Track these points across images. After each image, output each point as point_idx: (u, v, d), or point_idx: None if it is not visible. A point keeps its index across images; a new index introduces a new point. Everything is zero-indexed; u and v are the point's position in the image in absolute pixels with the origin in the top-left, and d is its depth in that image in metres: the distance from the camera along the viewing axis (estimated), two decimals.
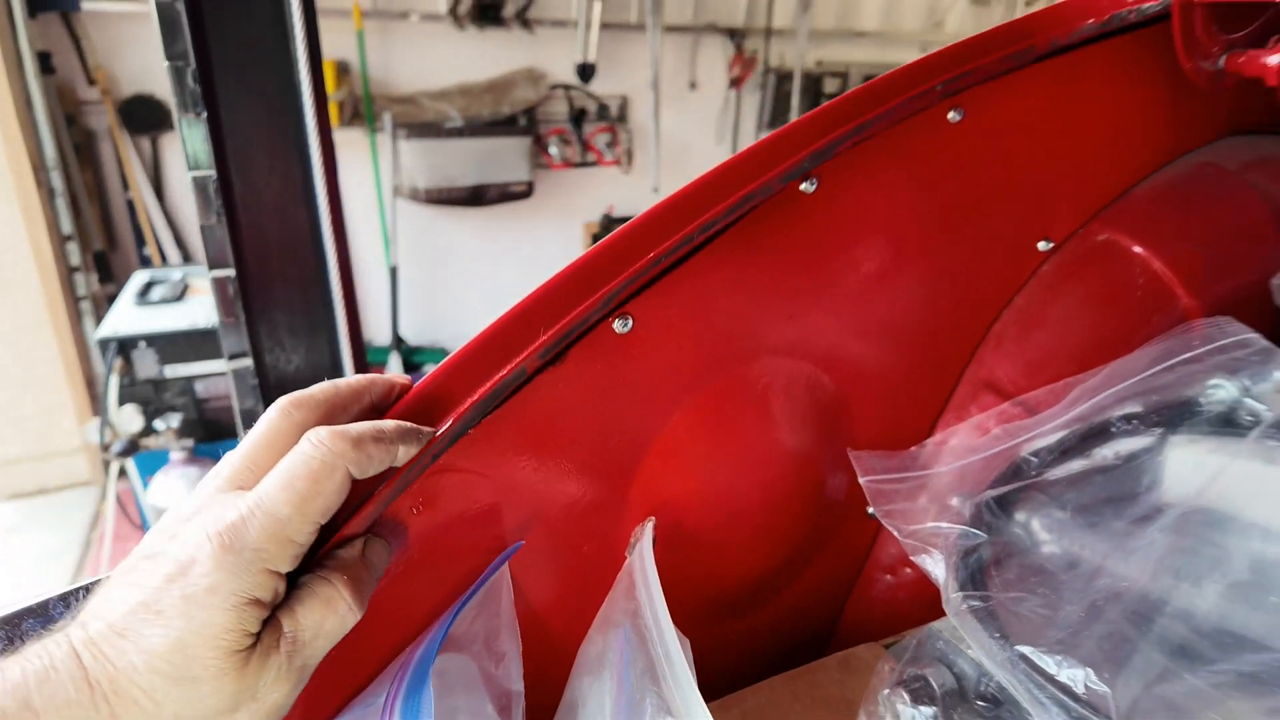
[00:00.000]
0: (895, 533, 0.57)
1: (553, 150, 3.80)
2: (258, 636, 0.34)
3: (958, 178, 0.61)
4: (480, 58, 3.44)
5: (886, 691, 0.50)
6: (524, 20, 3.42)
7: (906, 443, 0.64)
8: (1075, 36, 0.61)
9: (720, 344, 0.55)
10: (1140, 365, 0.62)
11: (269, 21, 0.96)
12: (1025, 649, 0.45)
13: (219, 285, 1.02)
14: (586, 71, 3.61)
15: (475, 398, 0.44)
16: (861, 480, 0.59)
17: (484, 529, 0.49)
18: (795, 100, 4.19)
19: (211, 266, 1.02)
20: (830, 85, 4.34)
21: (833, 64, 4.34)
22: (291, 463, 0.35)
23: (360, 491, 0.39)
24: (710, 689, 0.45)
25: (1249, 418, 0.59)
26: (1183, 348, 0.63)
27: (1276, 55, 0.56)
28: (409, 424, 0.40)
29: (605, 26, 3.54)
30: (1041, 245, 0.67)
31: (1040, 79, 0.61)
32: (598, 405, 0.51)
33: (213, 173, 0.96)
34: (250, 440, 0.38)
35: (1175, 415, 0.60)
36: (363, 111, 3.20)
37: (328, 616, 0.36)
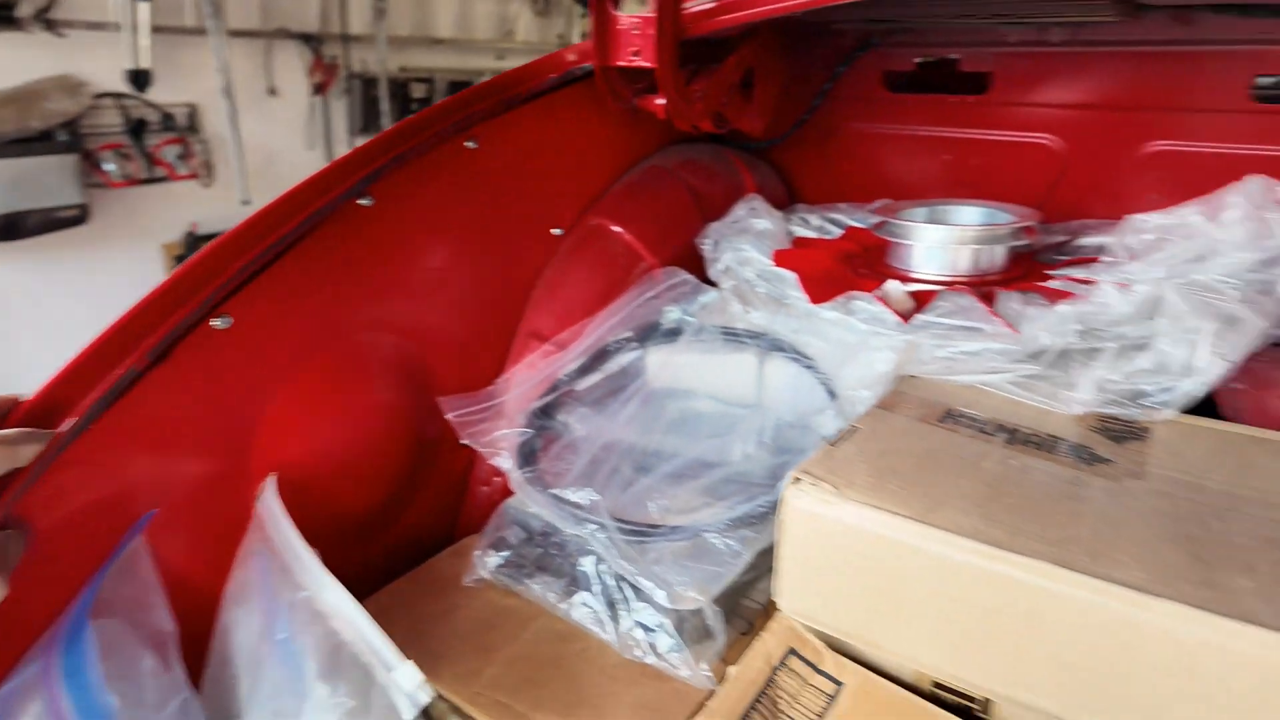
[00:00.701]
0: (478, 449, 0.78)
1: (109, 167, 3.32)
2: None
3: (483, 188, 0.84)
4: None
5: (479, 552, 0.71)
6: (47, 21, 2.93)
7: (482, 385, 0.85)
8: (545, 85, 0.87)
9: (313, 328, 0.69)
10: (625, 304, 0.92)
11: None
12: (555, 491, 0.69)
13: None
14: (141, 79, 3.22)
15: (90, 399, 0.53)
16: (448, 417, 0.79)
17: (115, 509, 0.57)
18: (385, 105, 4.25)
19: None
20: (418, 90, 4.49)
21: (416, 69, 4.48)
22: None
23: None
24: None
25: (685, 328, 0.92)
26: (649, 289, 0.94)
27: (660, 99, 0.89)
28: (28, 429, 0.49)
29: (158, 30, 3.20)
30: (555, 231, 0.94)
31: (530, 115, 0.87)
32: (207, 393, 0.62)
33: None
34: None
35: (647, 333, 0.91)
36: None
37: None
